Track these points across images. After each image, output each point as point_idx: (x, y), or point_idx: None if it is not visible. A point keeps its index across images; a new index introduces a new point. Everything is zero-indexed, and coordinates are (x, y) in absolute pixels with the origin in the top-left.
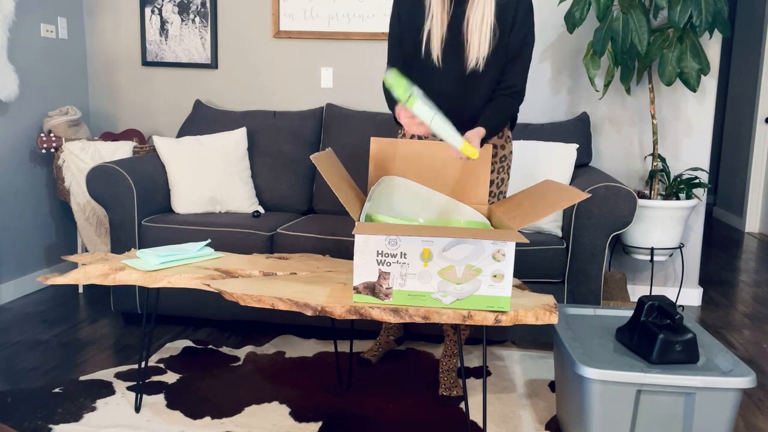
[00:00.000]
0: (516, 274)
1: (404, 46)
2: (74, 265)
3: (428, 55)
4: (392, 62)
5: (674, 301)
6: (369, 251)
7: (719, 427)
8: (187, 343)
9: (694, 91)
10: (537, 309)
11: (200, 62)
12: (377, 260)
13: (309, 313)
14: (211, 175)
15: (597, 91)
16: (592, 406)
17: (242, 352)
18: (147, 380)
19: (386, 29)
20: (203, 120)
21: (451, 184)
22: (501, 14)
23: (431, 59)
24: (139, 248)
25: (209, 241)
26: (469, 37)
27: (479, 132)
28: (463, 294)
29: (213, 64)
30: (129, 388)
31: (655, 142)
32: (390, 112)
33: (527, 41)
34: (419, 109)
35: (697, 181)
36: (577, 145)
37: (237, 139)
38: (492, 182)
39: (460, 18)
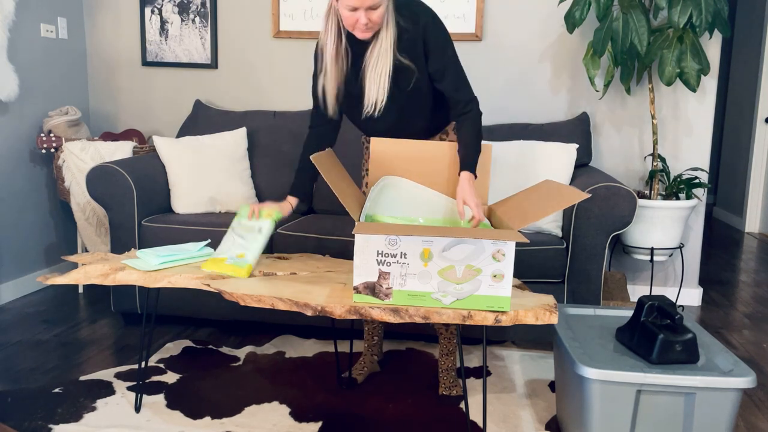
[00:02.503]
0: (516, 274)
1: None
2: (74, 265)
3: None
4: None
5: (674, 301)
6: (369, 251)
7: (719, 427)
8: (187, 343)
9: (694, 91)
10: (537, 309)
11: (200, 62)
12: (377, 260)
13: (309, 313)
14: (211, 175)
15: (597, 91)
16: (592, 406)
17: (242, 352)
18: (147, 380)
19: None
20: (203, 120)
21: (451, 184)
22: (410, 49)
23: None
24: (139, 248)
25: (209, 241)
26: (367, 84)
27: (465, 187)
28: (463, 294)
29: (213, 64)
30: (129, 388)
31: (655, 142)
32: None
33: (448, 57)
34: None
35: (697, 181)
36: (577, 145)
37: (237, 139)
38: None
39: (358, 67)
